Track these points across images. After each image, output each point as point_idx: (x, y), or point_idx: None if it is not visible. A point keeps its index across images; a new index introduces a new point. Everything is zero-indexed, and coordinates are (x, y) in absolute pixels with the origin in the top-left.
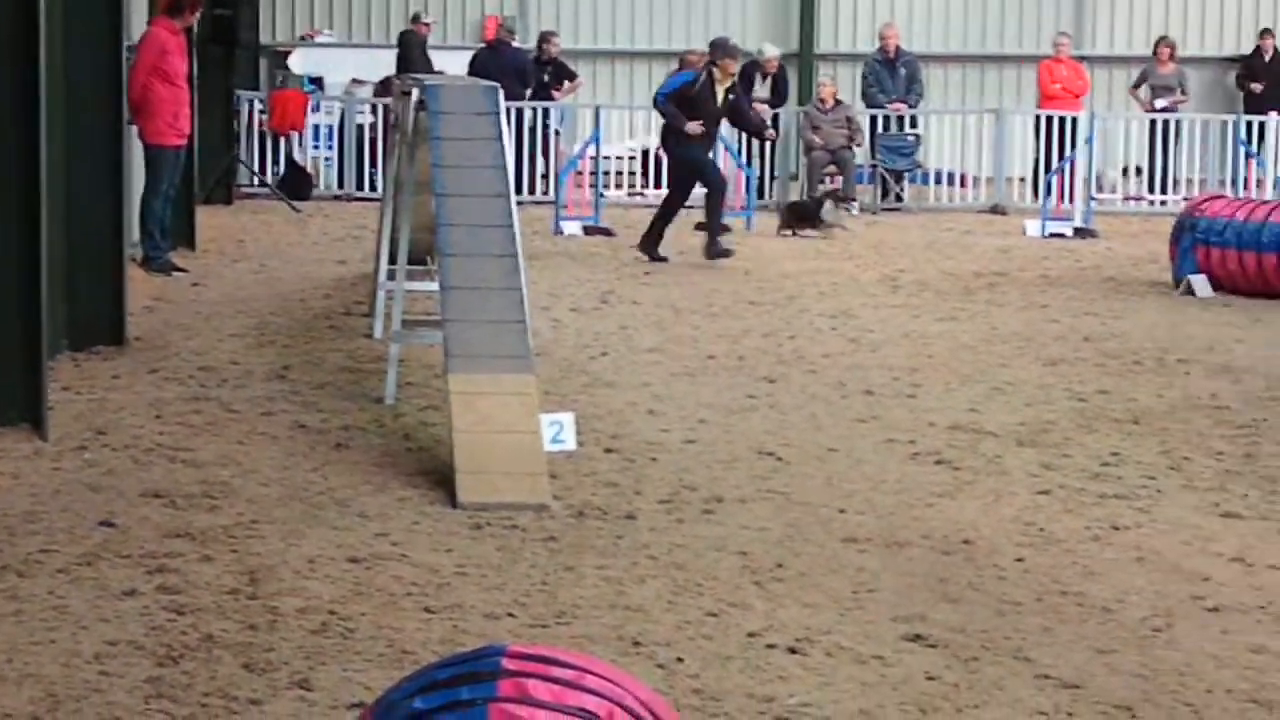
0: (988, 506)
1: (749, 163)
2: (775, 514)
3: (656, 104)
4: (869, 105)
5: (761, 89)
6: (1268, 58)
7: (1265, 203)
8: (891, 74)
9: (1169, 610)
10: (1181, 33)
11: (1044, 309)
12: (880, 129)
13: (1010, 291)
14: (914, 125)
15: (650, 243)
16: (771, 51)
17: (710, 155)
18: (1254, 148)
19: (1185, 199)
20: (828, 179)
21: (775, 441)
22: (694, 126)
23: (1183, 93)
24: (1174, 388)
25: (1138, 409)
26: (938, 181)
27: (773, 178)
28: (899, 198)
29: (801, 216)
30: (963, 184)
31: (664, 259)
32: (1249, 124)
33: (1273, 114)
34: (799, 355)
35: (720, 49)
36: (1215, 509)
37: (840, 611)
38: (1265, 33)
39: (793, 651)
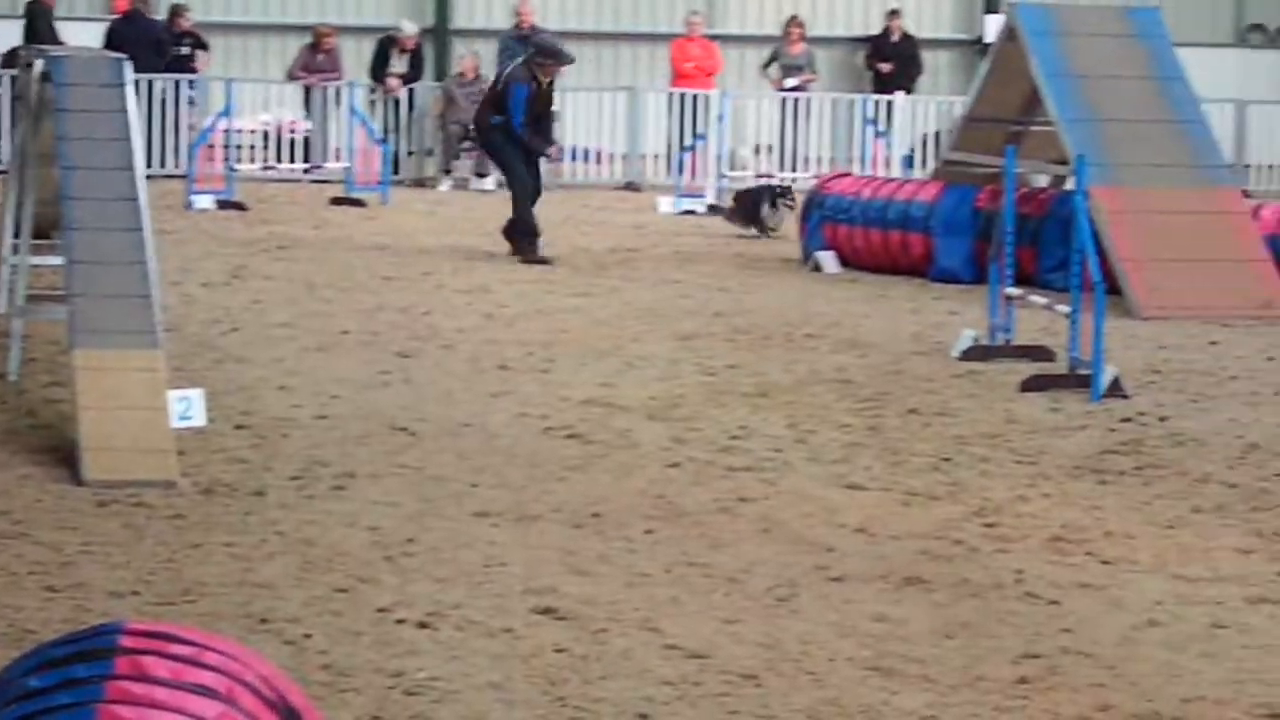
0: (618, 479)
1: (385, 138)
2: (407, 489)
3: (517, 132)
4: None
5: (399, 64)
6: (895, 38)
7: (891, 181)
8: (526, 49)
9: (793, 580)
10: (811, 13)
11: (676, 284)
12: None
13: (643, 267)
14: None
15: (525, 247)
16: (410, 28)
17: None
18: (881, 126)
19: (815, 177)
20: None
21: (409, 417)
22: (554, 152)
23: (812, 72)
24: (802, 362)
25: (766, 383)
26: (573, 158)
27: (409, 153)
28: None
29: (746, 215)
30: (598, 161)
31: (548, 261)
32: (876, 103)
33: (899, 94)
34: (434, 330)
35: (548, 54)
36: (840, 480)
37: (471, 586)
38: (893, 13)
39: (422, 626)
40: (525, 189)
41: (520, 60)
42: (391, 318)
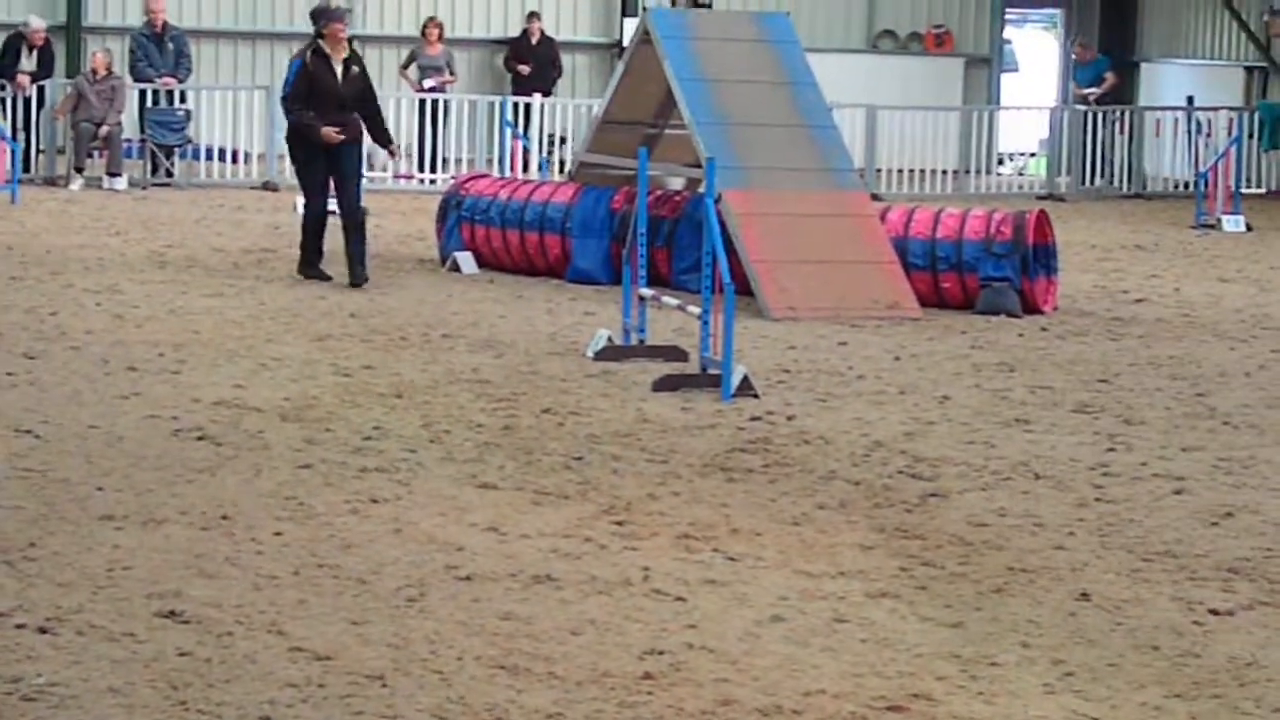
0: (248, 481)
1: (14, 135)
2: (30, 493)
3: (285, 109)
4: (137, 80)
5: (28, 62)
6: (535, 40)
7: (528, 182)
8: (160, 48)
9: (423, 580)
10: (450, 14)
11: (312, 285)
12: (150, 103)
13: (279, 268)
14: (184, 100)
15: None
16: (37, 23)
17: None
18: (519, 128)
19: (453, 178)
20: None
21: (34, 419)
22: (330, 134)
23: (450, 73)
24: (438, 362)
25: (401, 383)
26: (209, 158)
27: (39, 151)
28: (169, 173)
29: None
30: (234, 160)
31: (328, 277)
32: (515, 105)
33: (538, 95)
34: (62, 331)
35: (323, 15)
36: (473, 480)
37: (94, 589)
38: (532, 15)
39: (43, 631)
40: (310, 209)
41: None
42: (17, 318)
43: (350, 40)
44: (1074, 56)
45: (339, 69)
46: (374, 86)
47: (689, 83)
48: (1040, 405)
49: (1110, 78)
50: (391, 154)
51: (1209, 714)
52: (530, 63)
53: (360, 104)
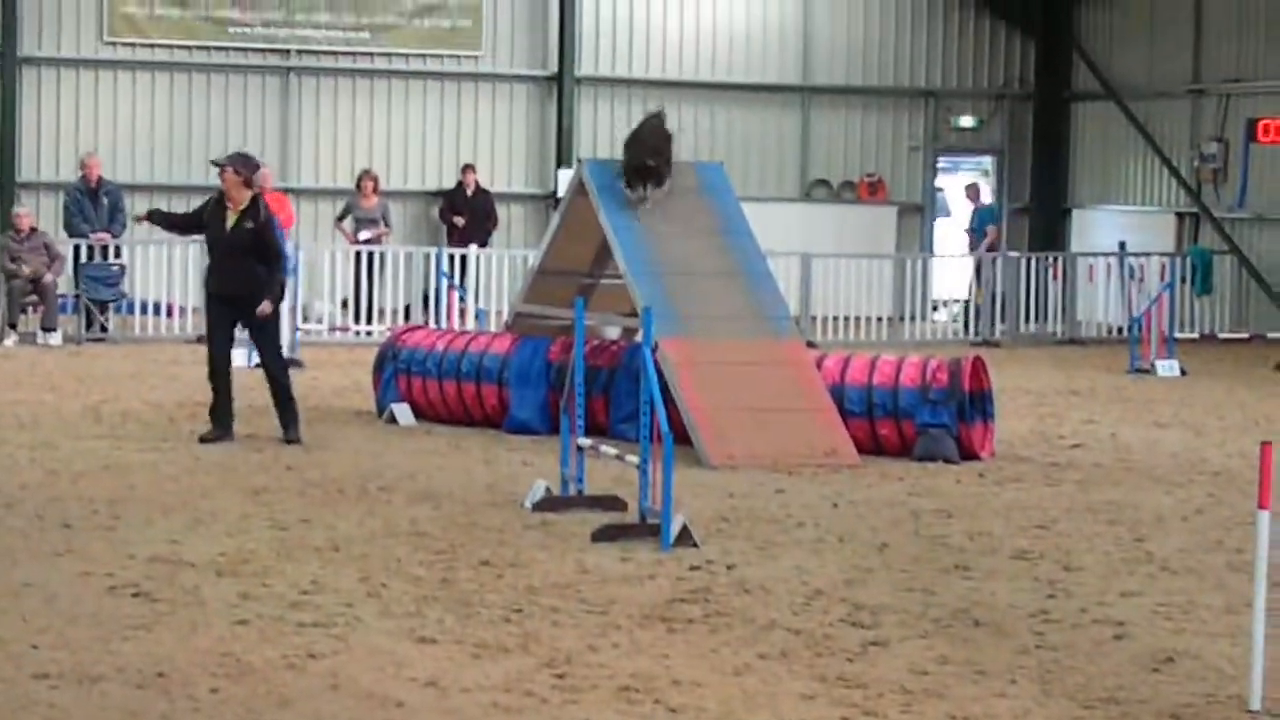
0: (184, 638)
1: None
2: None
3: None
4: (72, 235)
5: None
6: (470, 192)
7: (465, 333)
8: (94, 203)
9: None
10: (385, 166)
11: (248, 438)
12: (84, 259)
13: None
14: (118, 255)
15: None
16: None
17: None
18: (455, 279)
19: (389, 329)
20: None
21: None
22: (266, 309)
23: (386, 225)
24: (375, 515)
25: (338, 537)
26: (144, 311)
27: None
28: (104, 328)
29: None
30: (169, 314)
31: (219, 436)
32: (451, 256)
33: (473, 246)
34: None
35: (235, 161)
36: (411, 634)
37: None
38: (467, 168)
39: None
40: (212, 359)
41: None
42: None
43: (257, 196)
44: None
45: (230, 218)
46: (273, 244)
47: (624, 232)
48: (979, 551)
49: (991, 231)
50: (262, 314)
51: None
52: (465, 213)
53: (254, 256)
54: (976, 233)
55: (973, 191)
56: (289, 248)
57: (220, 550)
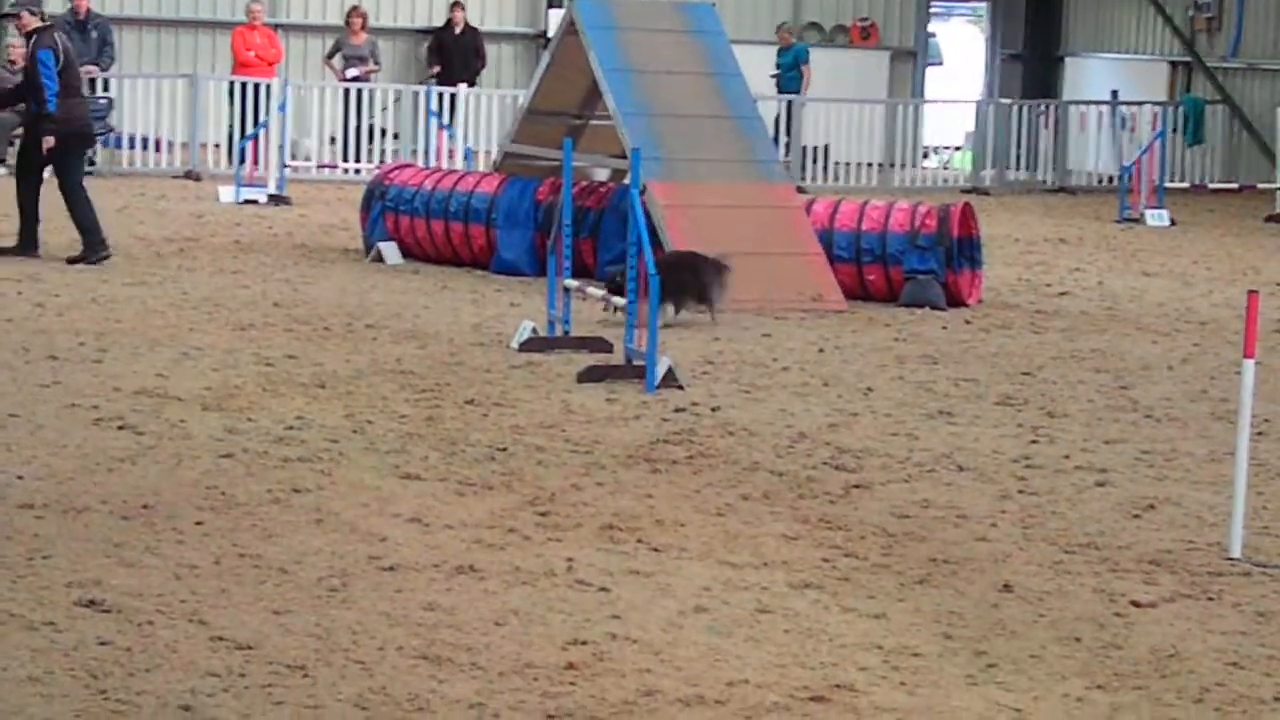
0: (169, 470)
1: None
2: None
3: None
4: None
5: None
6: (458, 30)
7: (453, 172)
8: (83, 36)
9: (345, 570)
10: (375, 4)
11: (236, 275)
12: None
13: (202, 257)
14: (106, 88)
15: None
16: None
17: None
18: (445, 118)
19: (378, 167)
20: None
21: None
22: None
23: (375, 63)
24: (361, 353)
25: (324, 373)
26: (131, 146)
27: None
28: (92, 162)
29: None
30: (157, 149)
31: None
32: (440, 95)
33: (462, 86)
34: None
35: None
36: (396, 470)
37: (13, 579)
38: (455, 5)
39: None
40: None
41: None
42: None
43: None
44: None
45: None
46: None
47: (614, 73)
48: (964, 398)
49: (806, 70)
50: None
51: (1130, 705)
52: (443, 62)
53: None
54: (786, 74)
55: (784, 32)
56: (276, 85)
57: (206, 385)
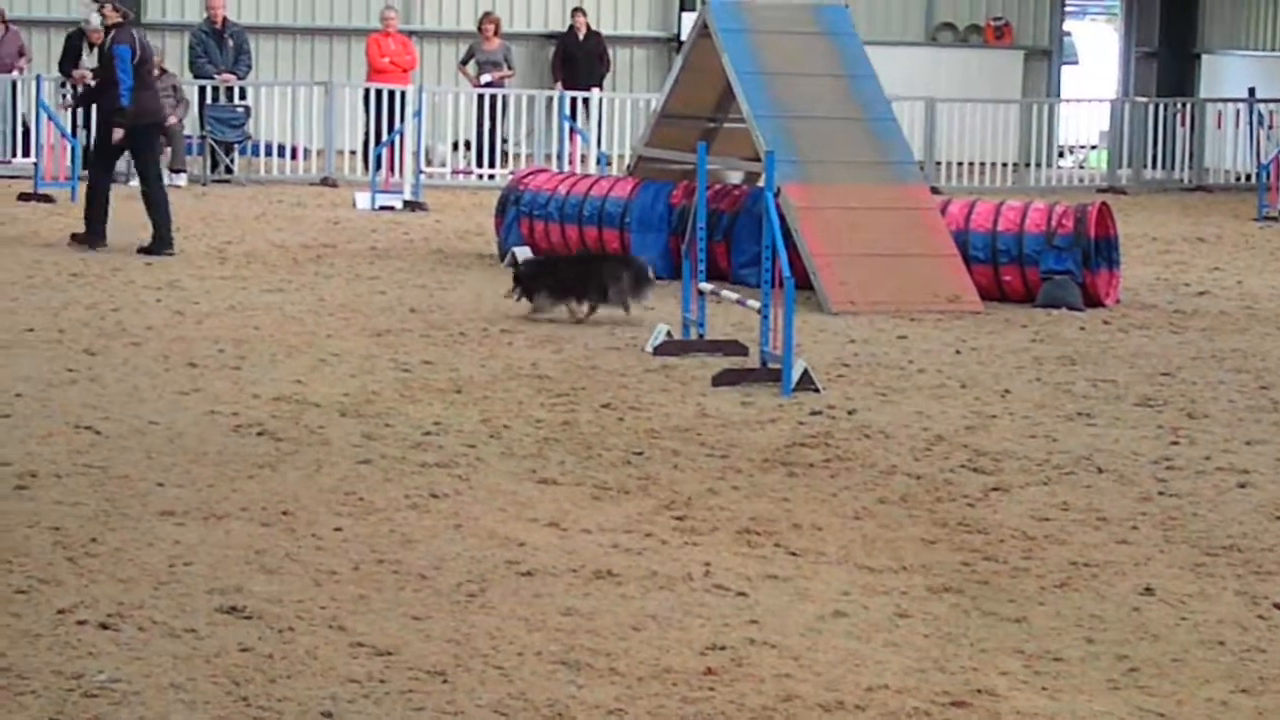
0: (309, 477)
1: (74, 133)
2: (91, 489)
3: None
4: (197, 76)
5: (89, 59)
6: (581, 35)
7: (586, 177)
8: (220, 44)
9: (483, 575)
10: (508, 9)
11: (372, 281)
12: (209, 100)
13: (339, 263)
14: (243, 96)
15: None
16: (97, 20)
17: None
18: (577, 123)
19: (512, 173)
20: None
21: (94, 415)
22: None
23: (509, 68)
24: (497, 358)
25: (460, 378)
26: (268, 154)
27: None
28: (229, 170)
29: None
30: (294, 156)
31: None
32: (573, 100)
33: (595, 90)
34: (122, 328)
35: None
36: (532, 475)
37: (155, 585)
38: (576, 11)
39: (104, 627)
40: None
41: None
42: (79, 315)
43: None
44: None
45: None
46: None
47: (748, 76)
48: (1102, 399)
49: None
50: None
51: (1275, 709)
52: (568, 69)
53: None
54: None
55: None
56: (411, 91)
57: (344, 390)
